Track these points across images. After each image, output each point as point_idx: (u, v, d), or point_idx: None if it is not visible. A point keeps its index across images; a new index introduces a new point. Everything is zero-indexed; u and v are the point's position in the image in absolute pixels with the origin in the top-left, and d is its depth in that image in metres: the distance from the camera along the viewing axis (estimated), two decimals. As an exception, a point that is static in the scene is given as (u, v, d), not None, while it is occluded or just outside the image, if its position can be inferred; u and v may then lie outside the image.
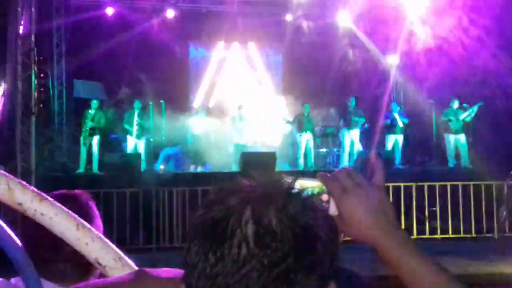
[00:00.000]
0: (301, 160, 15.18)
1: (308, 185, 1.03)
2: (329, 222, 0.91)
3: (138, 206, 10.69)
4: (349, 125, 15.17)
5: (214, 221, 0.85)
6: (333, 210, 1.04)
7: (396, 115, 15.24)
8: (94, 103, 14.25)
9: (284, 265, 0.82)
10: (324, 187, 1.05)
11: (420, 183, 11.40)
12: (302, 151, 15.18)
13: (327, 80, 17.81)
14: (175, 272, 1.06)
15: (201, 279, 0.84)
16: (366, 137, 15.96)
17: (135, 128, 14.49)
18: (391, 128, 15.27)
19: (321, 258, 0.85)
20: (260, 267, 0.82)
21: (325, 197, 1.04)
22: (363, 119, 15.39)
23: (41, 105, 13.12)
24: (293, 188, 0.92)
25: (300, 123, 15.26)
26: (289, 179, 0.94)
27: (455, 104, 14.66)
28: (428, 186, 11.36)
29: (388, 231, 1.03)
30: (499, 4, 13.36)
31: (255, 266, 0.82)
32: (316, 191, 1.04)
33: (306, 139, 15.15)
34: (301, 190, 0.95)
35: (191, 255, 0.86)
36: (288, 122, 15.90)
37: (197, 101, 18.22)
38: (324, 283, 0.87)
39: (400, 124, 15.20)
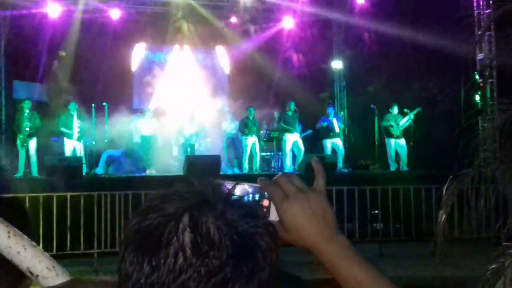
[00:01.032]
0: (246, 164, 15.20)
1: (249, 190, 1.02)
2: (269, 229, 0.88)
3: (79, 210, 10.45)
4: (288, 129, 15.29)
5: (150, 229, 0.82)
6: (273, 216, 1.02)
7: (334, 120, 15.50)
8: (27, 104, 13.86)
9: (222, 274, 0.80)
10: (265, 193, 1.03)
11: (362, 187, 11.57)
12: (248, 154, 15.21)
13: (272, 83, 17.94)
14: (111, 281, 1.02)
15: None
16: (309, 141, 16.13)
17: (75, 130, 14.20)
18: (327, 132, 15.52)
19: (260, 267, 0.83)
20: (197, 276, 0.79)
21: (265, 202, 1.03)
22: (299, 124, 15.56)
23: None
24: (232, 194, 0.90)
25: (245, 127, 15.29)
26: (229, 185, 0.93)
27: (395, 110, 15.03)
28: (370, 189, 11.53)
29: (328, 237, 1.03)
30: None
31: (192, 276, 0.79)
32: (256, 197, 1.02)
33: (251, 142, 15.19)
34: (241, 197, 0.94)
35: (125, 264, 0.83)
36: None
37: (141, 103, 17.99)
38: None
39: (337, 129, 15.46)
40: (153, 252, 0.81)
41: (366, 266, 1.02)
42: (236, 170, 15.48)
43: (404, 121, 14.93)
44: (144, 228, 0.83)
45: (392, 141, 15.02)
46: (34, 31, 16.33)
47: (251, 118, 15.37)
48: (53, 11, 16.24)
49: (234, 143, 16.16)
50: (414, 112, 14.80)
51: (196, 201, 0.85)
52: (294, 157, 15.64)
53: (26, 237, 1.19)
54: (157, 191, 0.89)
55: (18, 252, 1.15)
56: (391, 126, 14.95)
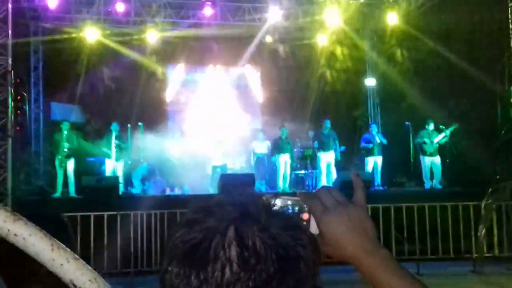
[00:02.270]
0: (279, 182, 15.18)
1: (288, 203, 1.01)
2: (311, 241, 0.89)
3: (116, 229, 10.56)
4: (324, 148, 15.23)
5: (196, 242, 0.83)
6: (313, 229, 1.02)
7: (376, 136, 15.39)
8: (65, 125, 14.14)
9: (269, 287, 0.81)
10: (304, 206, 1.03)
11: (398, 204, 11.45)
12: (281, 173, 15.19)
13: (306, 102, 17.93)
14: None
15: None
16: (345, 159, 16.04)
17: (113, 150, 14.40)
18: (370, 150, 15.39)
19: (304, 279, 0.84)
20: None
21: (305, 215, 1.02)
22: (337, 142, 15.46)
23: (18, 128, 12.98)
24: (273, 206, 0.91)
25: (278, 146, 15.29)
26: (268, 197, 0.93)
27: (431, 126, 14.82)
28: (406, 207, 11.40)
29: (370, 250, 1.02)
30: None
31: None
32: (296, 209, 1.02)
33: (284, 160, 15.17)
34: (282, 208, 0.94)
35: (171, 276, 0.84)
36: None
37: (176, 123, 18.16)
38: None
39: (380, 143, 15.34)
40: (200, 265, 0.81)
41: (409, 279, 1.00)
42: (267, 189, 15.45)
43: (439, 138, 14.71)
44: (189, 241, 0.83)
45: (426, 158, 14.82)
46: (71, 54, 16.69)
47: (284, 137, 15.36)
48: (90, 35, 16.59)
49: (263, 163, 16.15)
50: (450, 129, 14.55)
51: (239, 214, 0.85)
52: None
53: (69, 250, 1.21)
54: (198, 204, 0.90)
55: (62, 264, 1.17)
56: (425, 143, 14.76)
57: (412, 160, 15.29)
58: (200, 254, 0.82)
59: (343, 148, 15.80)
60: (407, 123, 15.26)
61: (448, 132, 14.59)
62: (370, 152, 15.38)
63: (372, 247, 1.02)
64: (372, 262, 1.01)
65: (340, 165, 15.51)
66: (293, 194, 1.06)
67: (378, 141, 15.36)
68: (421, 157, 14.90)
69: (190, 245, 0.83)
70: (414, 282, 1.00)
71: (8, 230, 1.19)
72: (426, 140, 14.76)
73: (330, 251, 1.03)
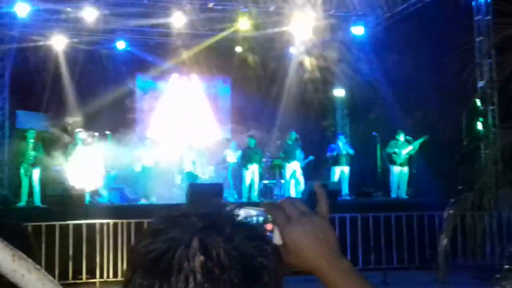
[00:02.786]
0: (246, 192, 15.17)
1: (252, 213, 1.03)
2: (274, 252, 0.89)
3: (81, 239, 10.43)
4: (288, 157, 15.31)
5: (159, 253, 0.82)
6: (277, 239, 1.03)
7: (342, 146, 15.50)
8: (31, 133, 13.92)
9: None
10: (268, 216, 1.04)
11: (365, 214, 11.54)
12: (247, 183, 15.19)
13: (275, 111, 17.99)
14: None
15: None
16: (312, 169, 16.11)
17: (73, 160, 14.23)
18: (336, 159, 15.50)
19: None
20: None
21: (269, 226, 1.03)
22: (302, 152, 15.53)
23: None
24: (237, 216, 0.91)
25: (246, 155, 15.30)
26: (232, 207, 0.93)
27: (401, 137, 14.97)
28: (373, 216, 11.50)
29: (331, 260, 1.03)
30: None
31: None
32: (260, 220, 1.03)
33: (251, 171, 15.17)
34: (246, 219, 0.94)
35: (134, 287, 0.83)
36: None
37: (143, 132, 18.04)
38: None
39: (346, 153, 15.45)
40: (164, 276, 0.81)
41: None
42: (236, 199, 15.44)
43: (409, 150, 14.89)
44: (153, 252, 0.83)
45: (396, 168, 14.98)
46: (38, 62, 16.50)
47: (252, 146, 15.37)
48: (58, 43, 16.41)
49: (238, 172, 16.15)
50: (420, 141, 14.69)
51: (204, 224, 0.85)
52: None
53: (30, 260, 1.20)
54: (162, 214, 0.89)
55: (23, 275, 1.16)
56: (395, 153, 14.93)
57: (379, 170, 15.44)
58: (164, 264, 0.81)
59: (311, 157, 15.88)
60: (374, 133, 15.41)
61: (416, 144, 14.77)
62: (336, 162, 15.49)
63: (335, 258, 1.03)
64: (335, 273, 1.02)
65: (308, 175, 15.57)
66: (254, 204, 1.06)
67: (345, 151, 15.48)
68: (390, 167, 15.06)
69: (154, 255, 0.82)
70: None
71: (-33, 240, 1.17)
72: (396, 150, 14.92)
73: (294, 261, 1.03)
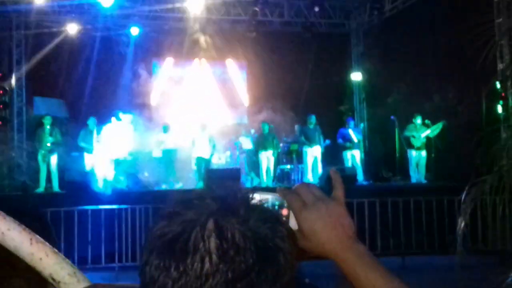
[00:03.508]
0: (263, 178, 15.17)
1: (268, 198, 1.03)
2: (289, 234, 0.91)
3: (100, 224, 10.50)
4: (309, 142, 15.23)
5: (175, 235, 0.84)
6: (293, 224, 1.04)
7: (350, 131, 15.40)
8: (48, 119, 13.99)
9: (248, 278, 0.82)
10: (284, 201, 1.05)
11: (383, 199, 11.48)
12: (264, 168, 15.17)
13: (293, 96, 17.92)
14: (130, 286, 1.02)
15: None
16: (329, 154, 16.06)
17: (95, 145, 14.29)
18: (346, 144, 15.44)
19: (282, 270, 0.85)
20: (224, 281, 0.81)
21: (284, 211, 1.04)
22: (322, 137, 15.47)
23: (0, 122, 12.87)
24: (252, 199, 0.91)
25: (260, 141, 15.27)
26: (247, 190, 0.94)
27: (418, 120, 14.84)
28: (392, 201, 11.44)
29: (347, 245, 1.04)
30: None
31: (218, 281, 0.81)
32: (276, 205, 1.04)
33: (266, 156, 15.14)
34: (261, 202, 0.96)
35: (150, 268, 0.84)
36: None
37: (161, 117, 18.07)
38: None
39: (355, 139, 15.35)
40: (180, 257, 0.82)
41: (386, 274, 1.02)
42: (255, 183, 15.44)
43: (428, 133, 14.74)
44: (169, 234, 0.84)
45: (413, 152, 14.88)
46: (54, 48, 16.56)
47: (266, 133, 15.34)
48: (72, 29, 16.45)
49: (252, 157, 16.16)
50: (437, 127, 14.53)
51: (219, 206, 0.86)
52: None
53: (48, 244, 1.18)
54: (177, 196, 0.91)
55: (41, 258, 1.15)
56: (413, 136, 14.80)
57: (398, 154, 15.35)
58: (179, 246, 0.83)
59: (328, 142, 15.82)
60: (392, 117, 15.30)
61: (434, 129, 14.62)
62: (347, 147, 15.44)
63: (350, 243, 1.04)
64: (350, 257, 1.03)
65: (325, 160, 15.53)
66: (270, 189, 1.06)
67: (353, 135, 15.38)
68: (408, 151, 14.96)
69: (170, 237, 0.84)
70: (392, 278, 1.02)
71: (-14, 225, 1.15)
72: (415, 133, 14.79)
73: (309, 246, 1.05)
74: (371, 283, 1.01)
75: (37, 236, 1.19)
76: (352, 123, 15.81)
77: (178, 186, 14.66)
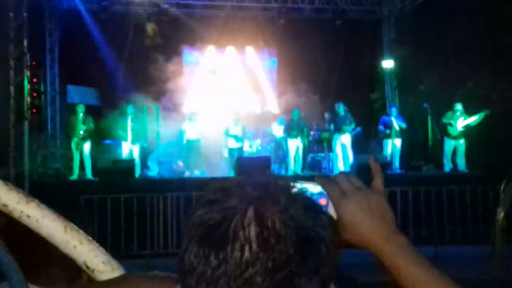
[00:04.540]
0: (291, 166, 15.15)
1: (306, 187, 1.01)
2: (331, 223, 0.89)
3: (132, 211, 10.62)
4: (339, 130, 15.12)
5: (215, 222, 0.83)
6: (331, 214, 1.03)
7: (393, 119, 15.20)
8: (81, 107, 14.15)
9: (289, 268, 0.80)
10: (322, 191, 1.04)
11: (416, 188, 11.36)
12: (292, 156, 15.14)
13: (323, 83, 17.83)
14: (164, 275, 1.02)
15: (201, 282, 0.82)
16: (361, 141, 15.95)
17: (129, 133, 14.42)
18: (389, 133, 15.23)
19: (324, 260, 0.84)
20: (264, 270, 0.80)
21: (323, 201, 1.03)
22: (353, 125, 15.33)
23: (34, 111, 13.07)
24: (293, 187, 0.89)
25: (289, 129, 15.23)
26: (288, 179, 0.92)
27: (458, 107, 14.54)
28: (425, 190, 11.31)
29: (387, 236, 1.02)
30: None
31: (258, 270, 0.80)
32: (314, 195, 1.02)
33: (295, 144, 15.10)
34: (302, 190, 0.92)
35: (189, 256, 0.83)
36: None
37: (191, 105, 18.15)
38: (325, 286, 0.85)
39: (397, 127, 15.16)
40: (219, 245, 0.81)
41: (427, 265, 1.01)
42: (284, 172, 15.43)
43: (470, 121, 14.35)
44: (209, 221, 0.83)
45: (450, 141, 14.61)
46: (85, 37, 16.72)
47: (295, 120, 15.29)
48: (103, 17, 16.56)
49: (281, 146, 16.15)
50: (483, 113, 14.15)
51: (259, 194, 0.85)
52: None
53: (82, 231, 1.19)
54: (217, 184, 0.89)
55: (75, 246, 1.15)
56: (450, 125, 14.52)
57: (430, 143, 15.15)
58: (219, 234, 0.82)
59: (359, 129, 15.70)
60: (425, 105, 15.09)
61: (480, 116, 14.21)
62: (388, 135, 15.23)
63: (390, 233, 1.03)
64: (390, 248, 1.02)
65: (356, 148, 15.43)
66: (307, 178, 1.05)
67: (395, 124, 15.18)
68: (444, 139, 14.71)
69: (209, 225, 0.83)
70: (432, 269, 1.01)
71: (21, 212, 1.16)
72: (452, 121, 14.53)
73: (348, 236, 1.04)
74: (412, 275, 0.99)
75: (72, 224, 1.19)
76: (395, 111, 15.56)
77: (206, 174, 14.71)
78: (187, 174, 14.89)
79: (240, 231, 0.81)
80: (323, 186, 1.05)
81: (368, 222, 1.02)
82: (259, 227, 0.81)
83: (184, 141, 15.53)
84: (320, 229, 0.85)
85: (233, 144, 15.37)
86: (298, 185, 0.94)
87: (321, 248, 0.84)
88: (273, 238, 0.80)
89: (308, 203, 0.88)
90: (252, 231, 0.81)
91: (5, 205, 1.16)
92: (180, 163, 15.29)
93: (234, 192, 0.85)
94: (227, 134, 15.49)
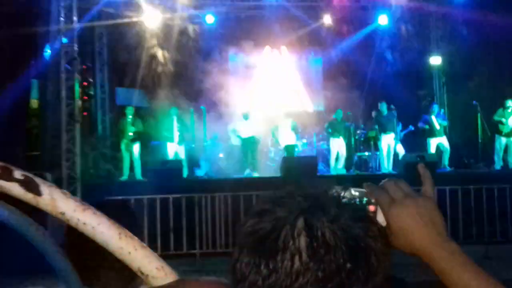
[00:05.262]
0: (332, 164, 15.05)
1: (355, 194, 1.01)
2: (381, 233, 0.90)
3: (181, 212, 10.75)
4: (384, 129, 14.97)
5: (265, 232, 0.84)
6: (380, 221, 1.02)
7: (433, 118, 14.91)
8: (130, 109, 14.41)
9: (339, 278, 0.81)
10: (371, 197, 1.03)
11: (465, 186, 11.17)
12: (333, 155, 15.04)
13: (369, 82, 17.66)
14: (217, 281, 1.05)
15: None
16: (409, 140, 15.72)
17: (175, 134, 14.58)
18: (430, 131, 14.97)
19: (375, 271, 0.84)
20: (314, 280, 0.81)
21: (372, 207, 1.02)
22: (398, 123, 15.13)
23: (85, 113, 13.38)
24: (343, 197, 0.91)
25: (332, 128, 15.13)
26: (338, 188, 0.93)
27: (510, 104, 14.20)
28: (475, 189, 11.11)
29: (438, 243, 1.01)
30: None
31: (309, 280, 0.81)
32: (363, 201, 1.02)
33: (337, 143, 14.99)
34: (351, 200, 0.94)
35: (241, 265, 0.85)
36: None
37: (238, 106, 18.23)
38: None
39: (437, 126, 14.86)
40: (270, 255, 0.82)
41: (480, 273, 0.99)
42: (333, 171, 15.33)
43: None
44: (259, 231, 0.85)
45: (502, 138, 14.27)
46: (133, 39, 16.99)
47: (338, 120, 15.18)
48: (151, 19, 16.78)
49: (328, 144, 16.06)
50: None
51: (309, 204, 0.86)
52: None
53: (136, 238, 1.23)
54: (268, 194, 0.91)
55: (129, 252, 1.19)
56: (501, 122, 14.20)
57: (480, 140, 14.83)
58: (269, 243, 0.83)
59: (411, 127, 15.48)
60: (474, 102, 14.78)
61: None
62: (432, 133, 14.97)
63: (441, 240, 1.01)
64: (442, 256, 1.00)
65: (406, 146, 15.23)
66: (356, 179, 1.06)
67: (435, 122, 14.87)
68: (496, 136, 14.39)
69: (260, 234, 0.84)
70: (486, 277, 0.98)
71: (78, 219, 1.21)
72: (503, 119, 14.21)
73: (398, 243, 1.02)
74: (464, 282, 0.98)
75: (126, 230, 1.24)
76: (437, 108, 15.29)
77: (256, 174, 14.75)
78: (235, 174, 14.94)
79: (290, 241, 0.82)
80: (372, 192, 1.03)
81: (418, 229, 1.01)
82: (309, 237, 0.82)
83: (233, 141, 15.58)
84: (371, 240, 0.86)
85: (281, 143, 15.37)
86: (348, 194, 0.95)
87: (372, 258, 0.84)
88: (323, 249, 0.81)
89: (358, 213, 0.88)
90: (302, 241, 0.82)
91: (62, 213, 1.21)
92: (226, 162, 15.38)
93: (284, 203, 0.87)
94: (274, 134, 15.50)
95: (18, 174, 0.98)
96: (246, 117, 15.57)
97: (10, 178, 0.99)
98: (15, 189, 1.09)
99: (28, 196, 1.15)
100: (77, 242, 1.50)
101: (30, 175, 0.98)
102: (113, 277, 1.63)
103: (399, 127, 15.42)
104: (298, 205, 0.86)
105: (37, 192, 1.17)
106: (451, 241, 1.01)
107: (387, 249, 0.90)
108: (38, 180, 1.11)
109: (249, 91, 18.69)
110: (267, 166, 15.59)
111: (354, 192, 1.00)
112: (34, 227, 1.56)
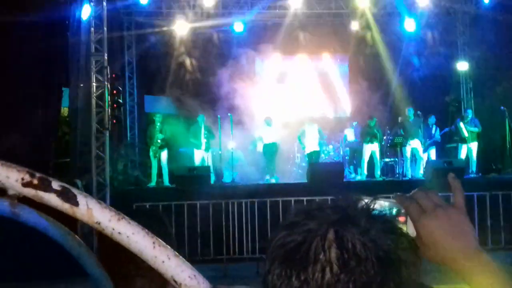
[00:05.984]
0: (365, 170, 14.98)
1: (385, 205, 1.02)
2: (411, 245, 0.90)
3: (208, 218, 10.82)
4: (409, 135, 14.86)
5: (296, 245, 0.86)
6: (410, 231, 1.02)
7: (461, 124, 14.75)
8: (159, 117, 14.58)
9: None
10: (401, 208, 1.03)
11: (494, 192, 11.04)
12: (366, 161, 14.96)
13: (395, 88, 17.55)
14: None
15: None
16: (437, 146, 15.58)
17: (203, 141, 14.66)
18: (460, 137, 14.82)
19: (405, 282, 0.85)
20: None
21: (402, 218, 1.03)
22: (426, 129, 15.01)
23: (114, 121, 13.54)
24: (373, 209, 0.92)
25: (365, 134, 15.05)
26: (367, 200, 0.94)
27: None
28: (503, 195, 10.97)
29: (470, 254, 1.00)
30: None
31: None
32: (393, 212, 1.03)
33: (370, 149, 14.90)
34: (382, 212, 0.96)
35: (272, 277, 0.87)
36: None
37: (264, 112, 18.25)
38: None
39: (465, 133, 14.69)
40: (301, 267, 0.84)
41: (510, 283, 0.98)
42: (359, 177, 15.26)
43: None
44: (290, 243, 0.86)
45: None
46: (162, 47, 17.18)
47: (372, 125, 15.10)
48: (179, 28, 16.94)
49: (355, 150, 16.00)
50: None
51: (339, 217, 0.87)
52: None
53: (169, 247, 1.29)
54: (298, 206, 0.93)
55: (163, 261, 1.24)
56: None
57: (508, 146, 14.63)
58: (300, 255, 0.85)
59: (441, 132, 15.33)
60: (502, 107, 14.61)
61: None
62: (462, 140, 14.82)
63: (472, 251, 1.01)
64: (474, 267, 0.99)
65: (437, 152, 15.10)
66: (385, 187, 1.06)
67: (464, 129, 14.71)
68: None
69: (291, 246, 0.86)
70: None
71: (113, 229, 1.27)
72: None
73: (428, 254, 1.02)
74: None
75: (159, 240, 1.29)
76: (469, 114, 15.15)
77: (273, 180, 14.72)
78: (261, 180, 14.96)
79: (321, 253, 0.83)
80: (402, 203, 1.03)
81: (449, 240, 1.00)
82: (340, 249, 0.83)
83: (259, 148, 15.60)
84: (401, 251, 0.86)
85: (307, 149, 15.35)
86: (378, 206, 0.96)
87: (402, 270, 0.85)
88: (353, 260, 0.82)
89: (388, 225, 0.89)
90: (333, 253, 0.83)
91: (98, 223, 1.26)
92: (253, 169, 15.40)
93: (314, 215, 0.88)
94: (300, 139, 15.49)
95: (56, 185, 1.02)
96: (268, 123, 15.59)
97: (48, 189, 1.03)
98: (53, 200, 1.14)
99: (65, 207, 1.20)
100: (110, 250, 1.57)
101: (67, 186, 1.03)
102: (146, 284, 1.68)
103: (436, 132, 15.21)
104: (328, 218, 0.87)
105: (74, 203, 1.23)
106: (482, 253, 1.01)
107: (417, 260, 0.90)
108: (75, 190, 1.17)
109: (276, 97, 18.69)
110: (294, 172, 15.56)
111: (384, 202, 1.02)
112: (70, 236, 1.64)
